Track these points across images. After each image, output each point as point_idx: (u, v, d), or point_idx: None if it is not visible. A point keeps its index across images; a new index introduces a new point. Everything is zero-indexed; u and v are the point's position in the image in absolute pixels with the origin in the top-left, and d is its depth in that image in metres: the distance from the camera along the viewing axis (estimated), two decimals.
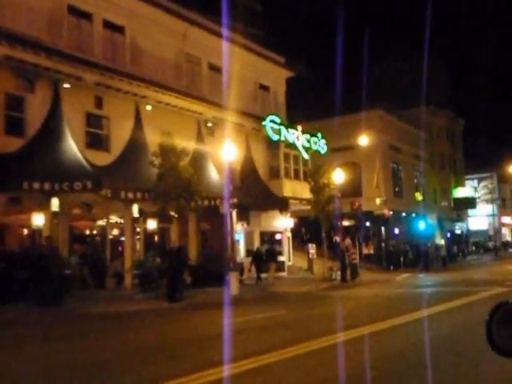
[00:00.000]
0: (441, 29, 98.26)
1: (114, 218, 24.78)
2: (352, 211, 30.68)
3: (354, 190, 41.97)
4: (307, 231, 37.74)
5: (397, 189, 46.31)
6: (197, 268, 24.08)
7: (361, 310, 13.80)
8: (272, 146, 29.69)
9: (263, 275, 26.26)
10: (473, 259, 51.66)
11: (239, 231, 28.02)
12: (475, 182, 71.46)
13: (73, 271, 20.11)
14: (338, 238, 40.14)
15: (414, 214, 45.65)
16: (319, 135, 31.44)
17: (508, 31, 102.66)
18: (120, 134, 21.83)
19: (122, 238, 23.55)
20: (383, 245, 40.66)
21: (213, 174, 25.16)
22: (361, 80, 37.71)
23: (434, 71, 56.88)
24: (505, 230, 74.19)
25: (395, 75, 58.72)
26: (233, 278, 19.08)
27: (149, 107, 22.46)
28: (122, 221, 23.56)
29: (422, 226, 42.36)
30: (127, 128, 22.12)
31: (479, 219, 66.41)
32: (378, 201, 39.14)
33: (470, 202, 57.14)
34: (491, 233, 61.42)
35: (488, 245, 63.33)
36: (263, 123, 27.41)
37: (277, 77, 32.12)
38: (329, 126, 44.51)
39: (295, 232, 35.80)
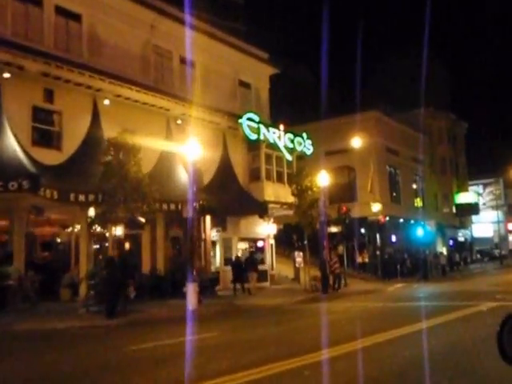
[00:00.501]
0: (444, 31, 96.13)
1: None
2: (339, 216, 28.47)
3: (348, 194, 39.88)
4: (298, 238, 35.51)
5: (394, 194, 44.00)
6: (163, 278, 22.10)
7: (316, 330, 11.67)
8: (252, 146, 27.66)
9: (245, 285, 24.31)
10: (476, 268, 49.18)
11: (214, 238, 25.96)
12: (480, 187, 69.05)
13: (20, 283, 18.32)
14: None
15: (412, 221, 43.29)
16: (304, 135, 29.37)
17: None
18: (74, 131, 19.87)
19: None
20: (378, 253, 38.32)
21: (182, 175, 23.15)
22: (354, 81, 35.85)
23: (436, 74, 54.92)
24: None
25: (395, 77, 56.82)
26: (190, 291, 16.99)
27: (106, 102, 20.51)
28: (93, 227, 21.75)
29: (420, 232, 40.02)
30: (83, 124, 20.16)
31: (484, 226, 63.85)
32: (373, 206, 36.91)
33: (473, 208, 54.56)
34: (496, 240, 58.78)
35: (494, 253, 60.81)
36: (239, 121, 25.38)
37: (259, 73, 30.08)
38: (322, 128, 42.54)
39: (283, 239, 33.69)
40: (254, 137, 26.01)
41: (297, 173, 25.71)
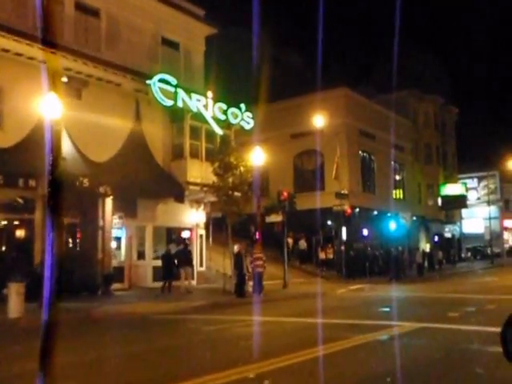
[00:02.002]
0: (436, 16, 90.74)
1: None
2: (279, 203, 23.69)
3: (315, 182, 35.12)
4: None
5: (368, 183, 39.19)
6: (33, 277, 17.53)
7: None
8: (176, 117, 23.00)
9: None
10: (462, 267, 44.26)
11: (118, 225, 21.30)
12: (475, 181, 64.03)
13: None
14: (289, 239, 33.52)
15: (389, 214, 38.44)
16: (242, 106, 24.57)
17: (507, 18, 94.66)
18: None
19: None
20: (343, 248, 33.50)
21: (66, 146, 18.54)
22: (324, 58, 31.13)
23: (426, 57, 50.24)
24: (508, 235, 66.34)
25: (380, 56, 52.14)
26: (12, 294, 12.40)
27: None
28: None
29: (392, 226, 35.24)
30: None
31: (476, 221, 58.83)
32: (336, 195, 32.00)
33: (459, 201, 49.46)
34: (487, 237, 53.75)
35: (486, 251, 55.84)
36: (147, 82, 20.66)
37: (191, 33, 25.17)
38: (288, 108, 37.96)
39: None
40: (168, 103, 21.29)
41: (220, 148, 20.99)
